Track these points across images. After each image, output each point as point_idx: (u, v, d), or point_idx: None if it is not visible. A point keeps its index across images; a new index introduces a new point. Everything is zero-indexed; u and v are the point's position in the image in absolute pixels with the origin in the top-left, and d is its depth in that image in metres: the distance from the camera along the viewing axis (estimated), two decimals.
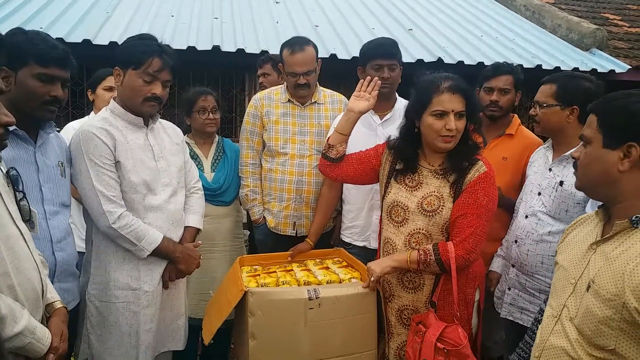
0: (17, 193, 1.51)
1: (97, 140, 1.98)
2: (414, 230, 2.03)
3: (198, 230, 2.31)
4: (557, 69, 5.17)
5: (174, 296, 2.22)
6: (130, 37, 2.14)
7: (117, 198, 2.00)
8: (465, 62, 5.08)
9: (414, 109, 2.04)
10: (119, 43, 4.27)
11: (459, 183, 1.99)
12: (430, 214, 2.00)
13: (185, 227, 2.24)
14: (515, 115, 2.81)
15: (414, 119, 2.05)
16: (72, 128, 2.88)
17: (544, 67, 5.23)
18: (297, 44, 2.67)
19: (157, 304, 2.10)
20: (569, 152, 2.16)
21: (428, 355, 1.84)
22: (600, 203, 1.39)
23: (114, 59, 2.06)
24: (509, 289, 2.34)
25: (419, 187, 2.05)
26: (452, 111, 1.93)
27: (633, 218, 1.23)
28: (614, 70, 5.48)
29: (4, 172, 1.48)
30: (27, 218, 1.54)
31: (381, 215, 2.20)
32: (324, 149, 2.30)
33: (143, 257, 2.04)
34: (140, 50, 2.00)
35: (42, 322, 1.47)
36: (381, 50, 2.53)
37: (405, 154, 2.11)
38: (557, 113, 2.20)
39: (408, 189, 2.08)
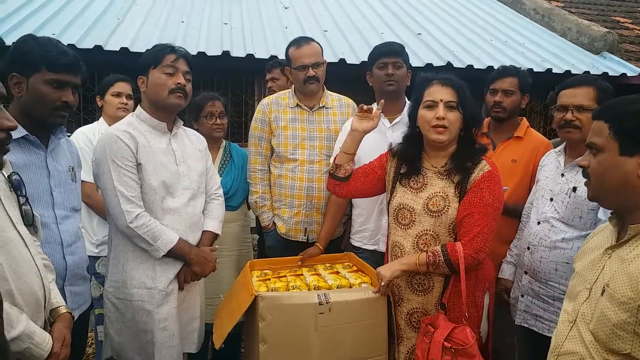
0: (19, 197, 1.52)
1: (120, 142, 2.04)
2: (421, 231, 2.02)
3: (216, 235, 2.34)
4: (568, 72, 5.12)
5: (190, 298, 2.24)
6: None
7: (136, 199, 2.05)
8: (475, 66, 5.05)
9: (413, 108, 2.10)
10: (130, 49, 4.33)
11: (463, 183, 1.99)
12: (436, 214, 1.99)
13: (203, 231, 2.28)
14: (524, 118, 2.82)
15: (415, 119, 2.08)
16: (81, 133, 2.90)
17: (554, 70, 5.19)
18: (302, 39, 2.76)
19: (171, 304, 2.12)
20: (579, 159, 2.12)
21: (436, 355, 1.84)
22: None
23: (134, 72, 2.18)
24: (522, 295, 2.30)
25: (423, 189, 2.05)
26: (441, 100, 1.97)
27: None
28: (625, 74, 5.42)
29: (5, 176, 1.49)
30: (30, 222, 1.54)
31: (388, 220, 2.19)
32: (332, 169, 2.29)
33: (158, 257, 2.09)
34: (155, 51, 2.14)
35: (45, 327, 1.47)
36: (385, 49, 2.60)
37: (409, 155, 2.13)
38: None
39: (413, 191, 2.08)
